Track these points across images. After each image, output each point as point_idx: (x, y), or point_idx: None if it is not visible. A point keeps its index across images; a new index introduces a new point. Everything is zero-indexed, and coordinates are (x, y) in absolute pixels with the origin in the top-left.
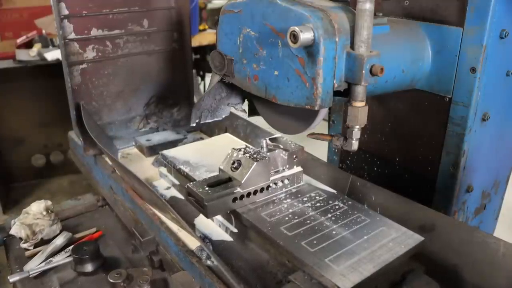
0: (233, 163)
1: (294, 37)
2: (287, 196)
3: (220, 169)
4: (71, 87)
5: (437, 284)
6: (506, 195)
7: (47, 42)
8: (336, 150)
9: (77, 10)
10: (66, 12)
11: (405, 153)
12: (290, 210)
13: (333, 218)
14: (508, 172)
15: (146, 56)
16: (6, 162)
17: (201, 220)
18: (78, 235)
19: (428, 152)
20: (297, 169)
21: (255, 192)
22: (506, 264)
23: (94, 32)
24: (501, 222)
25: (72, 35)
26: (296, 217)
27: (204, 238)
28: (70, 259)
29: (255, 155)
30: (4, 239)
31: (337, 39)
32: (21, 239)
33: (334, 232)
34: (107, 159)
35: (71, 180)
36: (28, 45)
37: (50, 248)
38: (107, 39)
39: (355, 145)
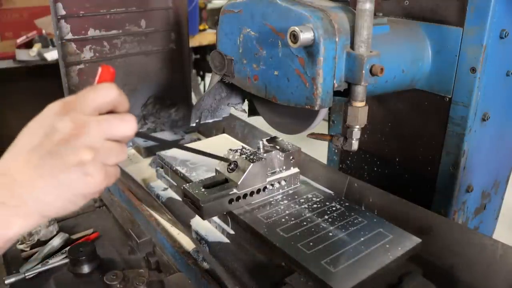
0: (230, 164)
1: (294, 37)
2: (284, 197)
3: (216, 170)
4: (68, 88)
5: (434, 286)
6: (506, 195)
7: (47, 42)
8: (336, 150)
9: (74, 11)
10: (63, 12)
11: (405, 153)
12: (287, 212)
13: (330, 220)
14: (508, 172)
15: (144, 56)
16: None
17: (197, 222)
18: (74, 236)
19: (428, 152)
20: (294, 170)
21: (251, 194)
22: (504, 266)
23: (92, 32)
24: (501, 222)
25: (69, 36)
26: (292, 219)
27: (200, 239)
28: (67, 260)
29: (251, 156)
30: None
31: (337, 39)
32: (17, 240)
33: (330, 234)
34: None
35: None
36: (28, 45)
37: (46, 249)
38: (104, 40)
39: (355, 145)
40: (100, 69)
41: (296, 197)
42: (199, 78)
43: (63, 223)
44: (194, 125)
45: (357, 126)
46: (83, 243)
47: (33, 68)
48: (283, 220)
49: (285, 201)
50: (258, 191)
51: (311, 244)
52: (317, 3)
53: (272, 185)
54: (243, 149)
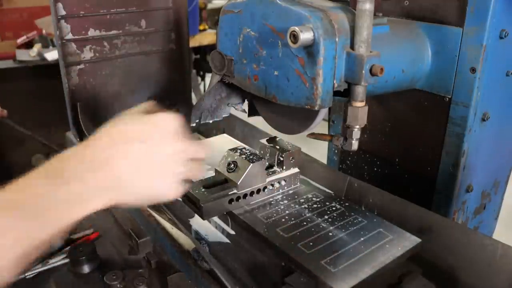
0: (229, 164)
1: (294, 37)
2: (284, 197)
3: (216, 170)
4: (68, 88)
5: (434, 286)
6: (506, 195)
7: (47, 42)
8: (336, 150)
9: (75, 11)
10: (63, 12)
11: (405, 153)
12: (287, 212)
13: (329, 220)
14: (508, 172)
15: (144, 56)
16: (6, 162)
17: (197, 222)
18: (74, 236)
19: (428, 152)
20: (294, 170)
21: (251, 194)
22: (504, 266)
23: (92, 32)
24: (501, 222)
25: (70, 36)
26: (292, 219)
27: (200, 239)
28: (67, 260)
29: (251, 156)
30: None
31: (337, 39)
32: None
33: (330, 234)
34: None
35: None
36: (28, 45)
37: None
38: (104, 40)
39: (355, 145)
40: None
41: (296, 197)
42: (199, 78)
43: None
44: (194, 125)
45: (357, 126)
46: (83, 243)
47: (33, 68)
48: (283, 220)
49: (285, 201)
50: (258, 191)
51: (311, 244)
52: (317, 3)
53: (272, 185)
54: (243, 149)
